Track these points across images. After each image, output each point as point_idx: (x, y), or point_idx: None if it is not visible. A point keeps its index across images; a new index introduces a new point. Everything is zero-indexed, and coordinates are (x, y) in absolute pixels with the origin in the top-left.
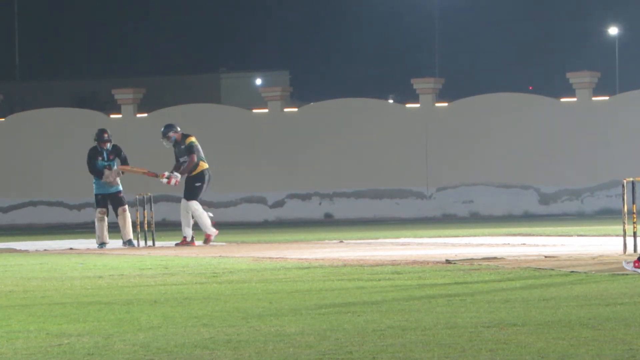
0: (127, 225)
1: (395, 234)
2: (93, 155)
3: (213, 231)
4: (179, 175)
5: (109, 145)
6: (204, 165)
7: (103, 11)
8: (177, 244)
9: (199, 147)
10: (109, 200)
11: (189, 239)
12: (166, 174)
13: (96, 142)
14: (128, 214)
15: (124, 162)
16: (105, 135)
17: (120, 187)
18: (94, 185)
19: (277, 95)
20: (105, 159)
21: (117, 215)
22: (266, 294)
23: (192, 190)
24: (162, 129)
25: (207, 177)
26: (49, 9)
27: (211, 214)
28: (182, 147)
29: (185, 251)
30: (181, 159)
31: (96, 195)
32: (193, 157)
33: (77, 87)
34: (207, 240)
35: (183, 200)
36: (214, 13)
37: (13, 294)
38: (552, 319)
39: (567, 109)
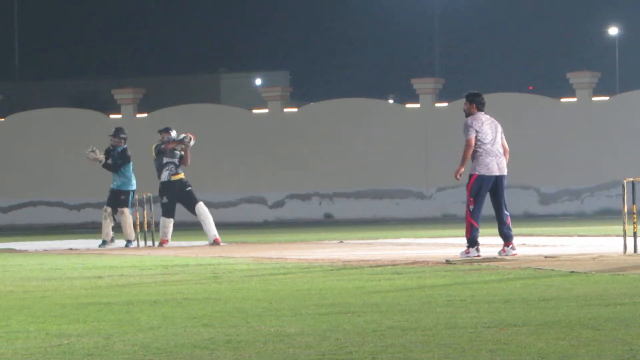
0: (125, 227)
1: (395, 234)
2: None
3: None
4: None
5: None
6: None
7: (103, 11)
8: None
9: None
10: (112, 199)
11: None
12: (185, 139)
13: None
14: (126, 217)
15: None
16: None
17: (128, 187)
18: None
19: (277, 95)
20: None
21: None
22: (266, 294)
23: (189, 195)
24: (162, 129)
25: (185, 180)
26: (49, 8)
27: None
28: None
29: (185, 251)
30: (173, 159)
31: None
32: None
33: (77, 87)
34: (216, 242)
35: (195, 208)
36: (213, 13)
37: (13, 294)
38: (552, 319)
39: (567, 109)
